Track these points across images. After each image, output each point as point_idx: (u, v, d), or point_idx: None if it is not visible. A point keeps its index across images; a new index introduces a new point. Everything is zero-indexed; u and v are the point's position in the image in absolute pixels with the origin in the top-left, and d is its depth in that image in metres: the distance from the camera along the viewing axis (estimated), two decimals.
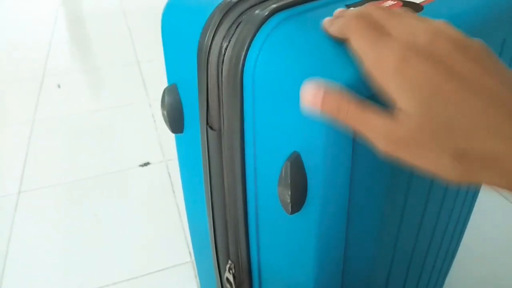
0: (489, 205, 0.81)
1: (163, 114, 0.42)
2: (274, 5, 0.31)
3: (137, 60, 1.58)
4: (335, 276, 0.36)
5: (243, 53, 0.31)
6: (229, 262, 0.45)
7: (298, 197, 0.31)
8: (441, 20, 0.25)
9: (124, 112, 1.28)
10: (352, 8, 0.31)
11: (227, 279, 0.46)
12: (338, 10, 0.30)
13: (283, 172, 0.31)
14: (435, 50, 0.23)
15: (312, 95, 0.25)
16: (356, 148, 0.29)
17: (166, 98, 0.41)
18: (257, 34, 0.30)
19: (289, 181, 0.30)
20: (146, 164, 1.06)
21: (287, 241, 0.36)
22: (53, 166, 1.07)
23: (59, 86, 1.43)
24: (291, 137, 0.30)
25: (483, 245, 0.81)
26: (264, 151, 0.33)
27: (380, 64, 0.24)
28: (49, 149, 1.14)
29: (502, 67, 0.23)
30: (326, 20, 0.29)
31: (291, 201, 0.31)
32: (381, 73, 0.24)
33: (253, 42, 0.30)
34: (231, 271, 0.45)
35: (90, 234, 0.88)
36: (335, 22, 0.28)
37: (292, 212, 0.32)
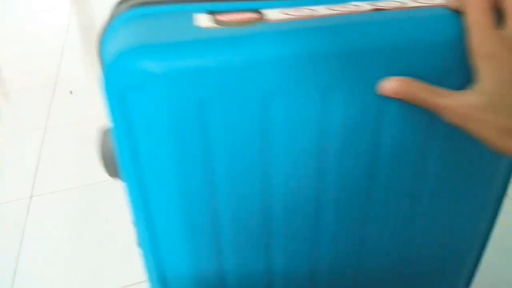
0: None
1: None
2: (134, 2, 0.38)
3: None
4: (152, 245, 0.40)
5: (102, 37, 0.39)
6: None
7: (108, 166, 0.37)
8: None
9: None
10: None
11: None
12: None
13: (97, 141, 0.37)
14: None
15: (393, 86, 0.31)
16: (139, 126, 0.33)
17: None
18: (109, 24, 0.38)
19: (99, 150, 0.37)
20: None
21: None
22: (65, 171, 1.08)
23: (71, 93, 1.44)
24: (109, 111, 0.34)
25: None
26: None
27: (481, 48, 0.29)
28: (61, 154, 1.15)
29: None
30: None
31: (104, 167, 0.38)
32: (478, 55, 0.30)
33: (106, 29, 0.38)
34: None
35: (101, 239, 0.88)
36: None
37: (111, 176, 0.38)
